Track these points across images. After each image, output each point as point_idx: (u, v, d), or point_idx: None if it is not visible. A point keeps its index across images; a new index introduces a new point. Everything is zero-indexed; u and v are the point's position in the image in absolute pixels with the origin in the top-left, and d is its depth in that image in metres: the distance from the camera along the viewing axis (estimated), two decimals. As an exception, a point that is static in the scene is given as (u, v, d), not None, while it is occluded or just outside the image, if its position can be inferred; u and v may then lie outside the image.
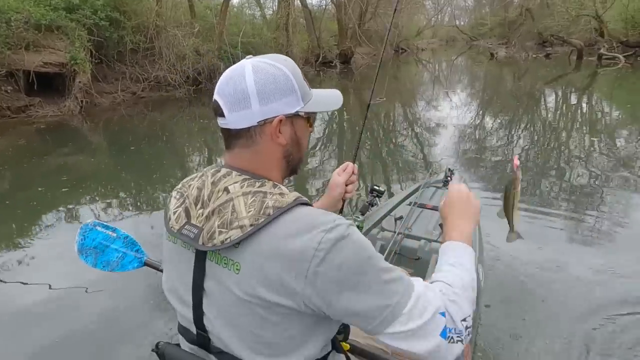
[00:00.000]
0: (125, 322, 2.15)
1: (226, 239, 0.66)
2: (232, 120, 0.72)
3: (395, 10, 1.86)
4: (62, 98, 8.59)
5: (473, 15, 40.53)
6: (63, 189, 4.35)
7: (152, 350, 0.81)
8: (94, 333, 2.09)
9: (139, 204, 4.07)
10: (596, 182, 3.92)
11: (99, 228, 1.27)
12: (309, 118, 0.79)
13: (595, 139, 5.50)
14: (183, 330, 0.79)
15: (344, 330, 0.88)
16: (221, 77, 0.74)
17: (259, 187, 0.70)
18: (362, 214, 1.50)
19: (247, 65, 0.72)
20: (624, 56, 13.58)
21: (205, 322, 0.72)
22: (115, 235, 1.28)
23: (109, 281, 2.40)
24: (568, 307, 2.11)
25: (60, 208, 3.90)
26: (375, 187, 1.58)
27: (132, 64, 10.24)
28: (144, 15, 10.37)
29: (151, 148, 6.25)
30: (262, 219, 0.65)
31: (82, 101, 8.64)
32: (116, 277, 2.35)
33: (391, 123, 7.74)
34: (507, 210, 0.99)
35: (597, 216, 3.17)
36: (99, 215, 3.67)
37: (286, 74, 0.73)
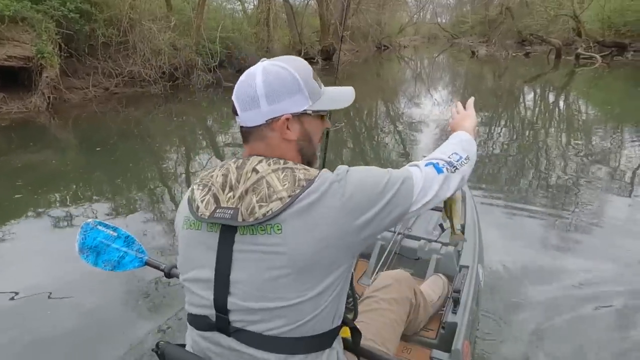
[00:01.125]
0: (92, 330, 2.06)
1: (267, 211, 0.72)
2: (244, 118, 0.81)
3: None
4: (28, 94, 8.15)
5: (454, 13, 40.84)
6: (24, 189, 4.08)
7: (152, 350, 0.83)
8: (59, 341, 1.99)
9: (114, 204, 3.83)
10: (572, 179, 3.96)
11: (99, 227, 1.26)
12: (322, 115, 0.86)
13: (572, 137, 5.59)
14: (196, 319, 0.81)
15: (354, 308, 0.97)
16: (239, 79, 0.82)
17: (284, 164, 0.77)
18: None
19: (259, 68, 0.80)
20: (601, 56, 13.81)
21: (230, 298, 0.75)
22: (116, 234, 1.27)
23: (72, 288, 2.33)
24: (550, 303, 2.10)
25: (26, 210, 3.65)
26: None
27: (105, 59, 9.82)
28: (117, 8, 9.93)
29: (125, 146, 5.95)
30: (298, 190, 0.73)
31: (49, 97, 8.21)
32: (84, 283, 2.33)
33: (391, 121, 7.62)
34: (449, 214, 1.13)
35: (573, 211, 3.21)
36: (71, 217, 3.45)
37: (293, 75, 0.80)
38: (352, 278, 0.88)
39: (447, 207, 1.13)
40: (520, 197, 3.54)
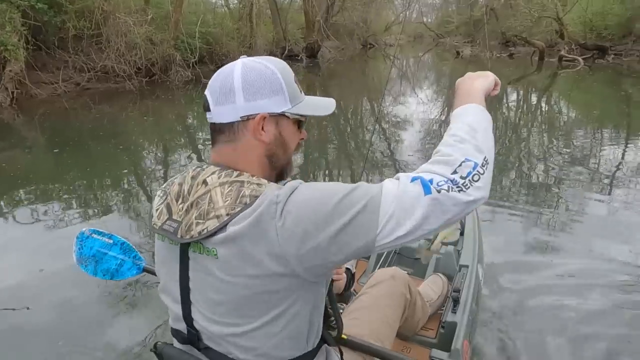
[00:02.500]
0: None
1: (203, 230, 0.67)
2: (217, 113, 0.74)
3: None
4: (-10, 88, 7.69)
5: (440, 13, 41.00)
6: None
7: (151, 350, 0.82)
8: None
9: (86, 207, 3.56)
10: (553, 178, 3.99)
11: (95, 236, 1.26)
12: (299, 123, 0.80)
13: (554, 138, 5.62)
14: (175, 332, 0.80)
15: (337, 326, 0.89)
16: (215, 73, 0.76)
17: (236, 176, 0.70)
18: None
19: (238, 63, 0.75)
20: (583, 58, 13.91)
21: (193, 314, 0.73)
22: (111, 241, 1.26)
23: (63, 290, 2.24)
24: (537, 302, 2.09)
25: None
26: None
27: (76, 52, 9.36)
28: (89, 0, 9.47)
29: (99, 145, 5.61)
30: (239, 208, 0.66)
31: (13, 92, 7.75)
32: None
33: (390, 121, 7.43)
34: None
35: (554, 210, 3.24)
36: (37, 219, 3.22)
37: (275, 73, 0.74)
38: (332, 295, 0.84)
39: None
40: (503, 196, 3.52)
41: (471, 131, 0.69)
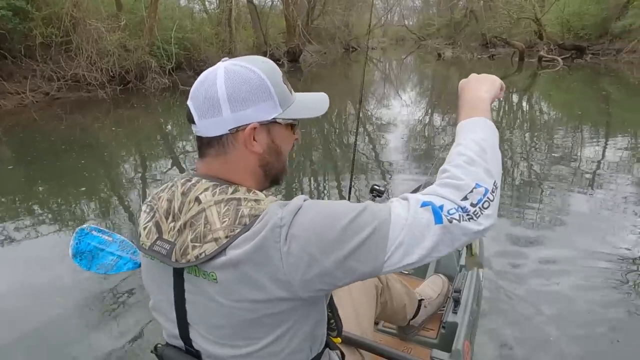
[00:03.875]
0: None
1: (201, 254, 0.63)
2: (203, 127, 0.68)
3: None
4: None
5: (421, 16, 41.39)
6: None
7: (151, 352, 0.81)
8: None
9: (54, 223, 3.34)
10: (536, 175, 4.00)
11: (94, 232, 1.25)
12: (292, 125, 0.74)
13: (535, 137, 5.67)
14: (171, 346, 0.78)
15: (337, 327, 0.86)
16: (196, 81, 0.70)
17: (232, 193, 0.66)
18: None
19: (220, 68, 0.68)
20: (562, 58, 14.07)
21: (192, 335, 0.71)
22: (111, 239, 1.25)
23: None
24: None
25: None
26: (376, 186, 1.58)
27: (45, 60, 8.97)
28: (57, 5, 9.10)
29: (70, 157, 5.30)
30: (238, 229, 0.62)
31: (-26, 103, 7.37)
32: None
33: (361, 123, 7.29)
34: None
35: (538, 208, 3.23)
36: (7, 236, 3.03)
37: (261, 77, 0.68)
38: (331, 298, 0.81)
39: None
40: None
41: (481, 152, 0.67)
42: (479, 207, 0.61)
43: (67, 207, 3.76)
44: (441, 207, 0.60)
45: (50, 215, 3.54)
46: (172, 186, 0.71)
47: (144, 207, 0.73)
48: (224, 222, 0.62)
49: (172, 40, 10.64)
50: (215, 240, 0.62)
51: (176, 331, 0.72)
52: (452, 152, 0.69)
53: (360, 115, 2.23)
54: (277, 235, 0.60)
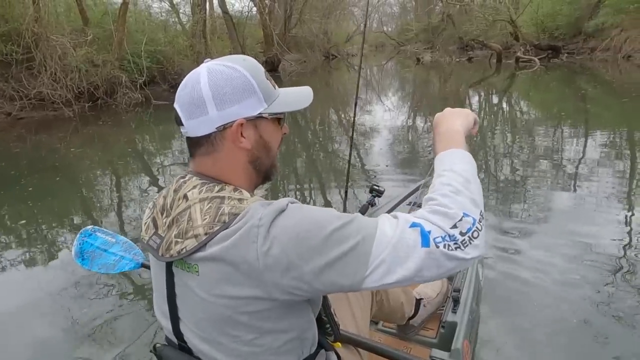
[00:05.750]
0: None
1: (182, 249, 0.65)
2: (191, 127, 0.70)
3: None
4: None
5: (400, 22, 41.87)
6: None
7: (150, 351, 0.81)
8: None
9: (22, 246, 3.15)
10: (518, 174, 4.00)
11: (98, 233, 1.27)
12: (279, 119, 0.76)
13: (516, 136, 5.72)
14: (169, 344, 0.79)
15: (333, 332, 0.86)
16: (181, 84, 0.72)
17: (217, 191, 0.68)
18: (362, 214, 1.55)
19: (203, 69, 0.70)
20: (539, 58, 14.19)
21: (182, 330, 0.72)
22: (114, 240, 1.27)
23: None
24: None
25: None
26: (375, 186, 1.61)
27: (5, 79, 8.52)
28: (17, 21, 8.68)
29: (37, 179, 4.94)
30: (217, 227, 0.64)
31: None
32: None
33: (344, 130, 7.06)
34: None
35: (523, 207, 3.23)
36: None
37: (243, 74, 0.69)
38: (327, 302, 0.82)
39: None
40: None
41: (465, 182, 0.68)
42: (468, 237, 0.61)
43: (35, 231, 3.42)
44: (429, 232, 0.60)
45: (14, 242, 3.23)
46: (173, 182, 0.73)
47: (149, 204, 0.77)
48: (205, 219, 0.64)
49: (143, 53, 10.28)
50: (196, 236, 0.64)
51: (170, 327, 0.73)
52: (435, 183, 0.69)
53: (353, 120, 2.31)
54: (254, 235, 0.60)
